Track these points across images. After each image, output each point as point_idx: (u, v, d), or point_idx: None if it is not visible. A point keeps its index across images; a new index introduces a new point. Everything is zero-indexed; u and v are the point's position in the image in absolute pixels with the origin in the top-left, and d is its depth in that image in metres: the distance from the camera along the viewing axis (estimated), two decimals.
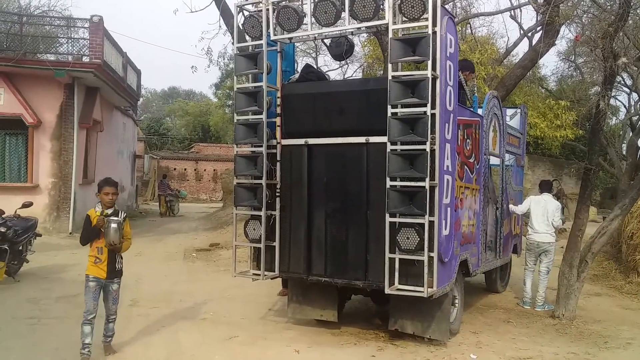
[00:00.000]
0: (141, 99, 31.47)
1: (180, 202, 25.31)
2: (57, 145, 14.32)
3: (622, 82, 22.23)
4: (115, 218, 5.20)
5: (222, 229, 16.31)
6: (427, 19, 5.17)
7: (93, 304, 5.18)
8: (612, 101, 19.28)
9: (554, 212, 8.00)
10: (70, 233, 13.89)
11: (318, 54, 20.72)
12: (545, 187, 8.43)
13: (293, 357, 5.52)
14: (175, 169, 37.24)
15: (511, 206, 8.35)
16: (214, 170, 38.04)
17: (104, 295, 5.32)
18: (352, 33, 6.43)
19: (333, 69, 20.26)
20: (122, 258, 5.44)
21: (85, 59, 14.49)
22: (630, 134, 25.19)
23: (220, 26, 13.06)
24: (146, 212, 24.21)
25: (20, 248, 8.86)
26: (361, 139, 5.78)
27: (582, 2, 9.22)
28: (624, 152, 24.73)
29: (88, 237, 5.25)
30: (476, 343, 6.14)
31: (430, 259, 5.24)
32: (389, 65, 5.38)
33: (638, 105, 24.32)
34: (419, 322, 5.89)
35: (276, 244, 6.20)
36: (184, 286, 8.95)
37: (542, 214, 8.03)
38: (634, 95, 24.16)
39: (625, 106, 26.36)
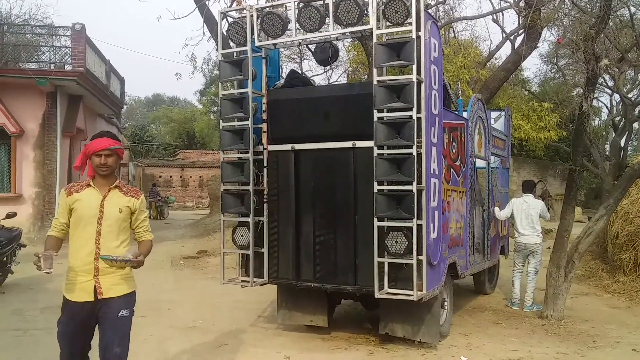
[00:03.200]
0: (125, 107, 31.25)
1: (169, 207, 28.54)
2: (41, 155, 14.19)
3: (604, 83, 22.50)
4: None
5: (210, 236, 16.22)
6: (411, 24, 5.20)
7: None
8: (594, 102, 19.51)
9: (540, 211, 8.05)
10: None
11: (303, 59, 20.74)
12: (527, 187, 8.48)
13: None
14: (160, 176, 36.99)
15: (496, 210, 8.38)
16: (200, 177, 37.86)
17: None
18: (336, 38, 6.44)
19: (318, 74, 20.39)
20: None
21: (68, 67, 14.39)
22: (613, 134, 25.51)
23: (204, 33, 13.00)
24: None
25: (5, 259, 8.74)
26: (348, 144, 5.78)
27: (564, 5, 9.33)
28: (608, 153, 25.04)
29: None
30: (466, 345, 6.15)
31: (419, 262, 5.25)
32: (374, 70, 5.40)
33: (620, 106, 24.63)
34: (409, 325, 5.90)
35: (264, 250, 6.17)
36: (172, 294, 8.88)
37: (526, 216, 8.08)
38: (616, 97, 24.47)
39: (607, 107, 26.71)
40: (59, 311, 3.70)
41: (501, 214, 8.42)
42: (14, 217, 9.10)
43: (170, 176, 37.75)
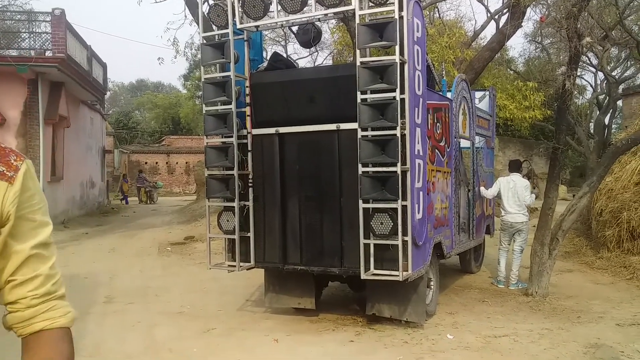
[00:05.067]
0: (108, 93, 30.92)
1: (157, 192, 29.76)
2: (23, 143, 13.99)
3: (588, 61, 22.58)
4: None
5: (197, 221, 16.17)
6: (393, 4, 5.17)
7: None
8: (578, 81, 19.58)
9: (524, 191, 8.12)
10: None
11: (287, 42, 20.59)
12: (513, 167, 8.54)
13: (272, 347, 5.52)
14: (146, 162, 36.75)
15: (482, 189, 8.44)
16: (186, 162, 37.67)
17: None
18: (319, 20, 6.38)
19: (303, 57, 20.26)
20: None
21: (49, 54, 14.17)
22: (597, 112, 25.65)
23: (185, 16, 12.88)
24: (118, 207, 23.89)
25: None
26: (332, 126, 5.76)
27: None
28: (592, 131, 25.22)
29: None
30: (452, 323, 6.22)
31: (405, 243, 5.28)
32: (357, 51, 5.36)
33: (604, 85, 24.76)
34: (395, 305, 5.95)
35: (250, 234, 6.17)
36: (160, 281, 8.86)
37: (513, 194, 8.14)
38: (600, 75, 24.58)
39: (591, 85, 26.82)
40: None
41: (488, 192, 8.47)
42: None
43: (157, 162, 37.53)
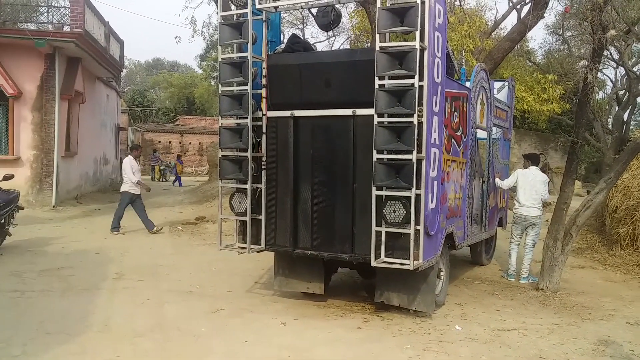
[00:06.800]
0: (124, 71, 30.91)
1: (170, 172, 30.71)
2: (38, 117, 14.09)
3: (610, 56, 22.21)
4: None
5: (208, 202, 16.23)
6: None
7: None
8: (599, 75, 19.27)
9: (542, 185, 8.03)
10: (54, 206, 13.74)
11: (305, 25, 20.45)
12: (533, 160, 8.43)
13: (279, 329, 5.52)
14: (160, 141, 36.91)
15: (497, 180, 8.36)
16: (200, 143, 37.78)
17: None
18: (339, 2, 6.30)
19: (320, 41, 20.08)
20: None
21: (66, 29, 14.18)
22: (617, 108, 25.30)
23: None
24: None
25: (3, 221, 8.74)
26: (348, 111, 5.70)
27: None
28: (610, 127, 24.88)
29: None
30: (461, 315, 6.19)
31: (417, 232, 5.23)
32: (377, 36, 5.28)
33: (624, 80, 24.38)
34: (404, 294, 5.92)
35: (262, 217, 6.15)
36: (170, 259, 8.91)
37: (531, 188, 8.05)
38: (621, 70, 24.19)
39: (611, 80, 26.40)
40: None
41: (504, 183, 8.38)
42: (11, 180, 9.09)
43: (170, 142, 37.66)
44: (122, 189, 11.41)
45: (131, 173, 11.24)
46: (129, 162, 11.41)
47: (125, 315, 5.83)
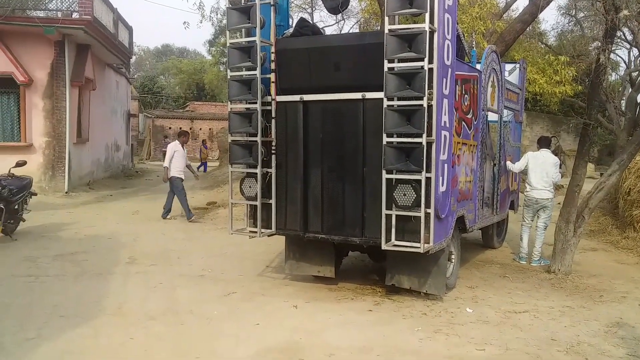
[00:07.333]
0: (134, 57, 31.00)
1: None
2: (50, 104, 14.16)
3: (623, 37, 21.89)
4: None
5: (219, 187, 16.28)
6: None
7: None
8: (612, 56, 19.00)
9: (553, 167, 7.97)
10: (67, 192, 13.86)
11: (314, 9, 20.31)
12: (544, 143, 8.38)
13: (291, 312, 5.56)
14: (170, 127, 36.97)
15: (508, 163, 8.31)
16: (210, 129, 37.80)
17: None
18: None
19: (329, 25, 19.95)
20: None
21: (75, 16, 14.18)
22: (630, 89, 24.97)
23: None
24: (142, 171, 24.16)
25: (16, 207, 8.84)
26: (357, 95, 5.68)
27: None
28: (623, 108, 24.58)
29: None
30: (472, 297, 6.20)
31: (427, 215, 5.22)
32: (386, 19, 5.23)
33: (638, 61, 24.05)
34: (415, 277, 5.93)
35: (272, 201, 6.17)
36: (182, 244, 8.98)
37: (541, 170, 8.00)
38: (634, 51, 23.85)
39: (625, 62, 26.04)
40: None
41: (515, 166, 8.34)
42: (24, 166, 9.17)
43: (180, 128, 37.66)
44: (170, 175, 11.54)
45: (167, 159, 11.43)
46: (172, 148, 11.49)
47: (138, 299, 5.90)
